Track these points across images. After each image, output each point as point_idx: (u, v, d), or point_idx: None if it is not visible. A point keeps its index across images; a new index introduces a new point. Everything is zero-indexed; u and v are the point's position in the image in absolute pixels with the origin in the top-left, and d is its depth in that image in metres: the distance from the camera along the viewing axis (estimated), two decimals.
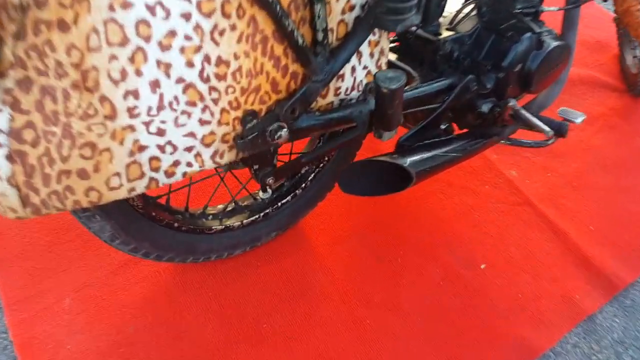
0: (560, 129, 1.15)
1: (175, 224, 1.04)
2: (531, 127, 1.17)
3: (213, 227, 1.11)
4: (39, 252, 1.26)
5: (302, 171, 1.19)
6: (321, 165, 1.19)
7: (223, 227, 1.12)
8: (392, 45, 1.22)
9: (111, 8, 0.67)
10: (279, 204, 1.19)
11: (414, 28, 1.16)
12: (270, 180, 1.02)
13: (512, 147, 1.63)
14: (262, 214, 1.17)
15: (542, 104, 1.37)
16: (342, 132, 1.12)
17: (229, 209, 1.15)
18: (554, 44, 1.19)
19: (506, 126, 1.24)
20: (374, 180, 1.02)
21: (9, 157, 0.70)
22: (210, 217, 1.12)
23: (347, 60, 0.91)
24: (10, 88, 0.66)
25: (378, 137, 0.97)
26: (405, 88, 1.09)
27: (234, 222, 1.14)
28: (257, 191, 1.19)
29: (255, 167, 0.99)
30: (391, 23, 0.86)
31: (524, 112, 1.10)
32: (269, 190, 1.15)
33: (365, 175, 1.02)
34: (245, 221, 1.15)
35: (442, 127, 1.17)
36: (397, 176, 1.03)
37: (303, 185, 1.20)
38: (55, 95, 0.69)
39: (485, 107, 1.19)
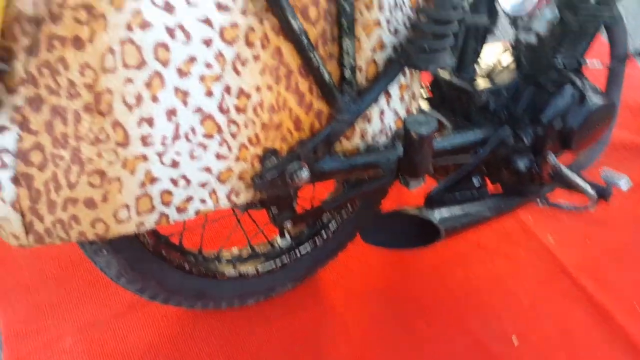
0: (603, 193, 1.07)
1: (186, 266, 0.98)
2: (572, 187, 1.09)
3: (226, 273, 1.04)
4: (47, 285, 1.21)
5: (324, 218, 1.13)
6: (344, 213, 1.12)
7: (237, 273, 1.05)
8: (425, 96, 1.18)
9: (129, 27, 0.65)
10: (298, 252, 1.12)
11: (447, 76, 1.11)
12: (288, 225, 0.96)
13: (548, 210, 1.54)
14: (278, 263, 1.11)
15: (582, 164, 1.29)
16: (367, 179, 1.07)
17: (244, 254, 1.09)
18: (599, 101, 1.13)
19: (543, 185, 1.16)
20: (399, 232, 0.96)
21: (15, 180, 0.66)
22: (224, 261, 1.06)
23: (375, 100, 0.86)
24: (19, 106, 0.64)
25: (404, 185, 0.91)
26: (436, 136, 1.03)
27: (248, 268, 1.08)
28: (274, 238, 1.13)
29: (274, 209, 0.94)
30: (423, 62, 0.82)
31: (565, 170, 1.02)
32: (287, 237, 1.09)
33: (390, 226, 0.95)
34: (260, 269, 1.08)
35: (475, 182, 1.11)
36: (425, 230, 0.96)
37: (324, 233, 1.13)
38: (66, 116, 0.66)
39: (522, 164, 1.12)
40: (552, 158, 1.03)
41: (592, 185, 1.06)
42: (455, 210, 0.98)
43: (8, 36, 0.62)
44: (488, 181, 1.16)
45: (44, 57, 0.63)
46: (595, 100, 1.13)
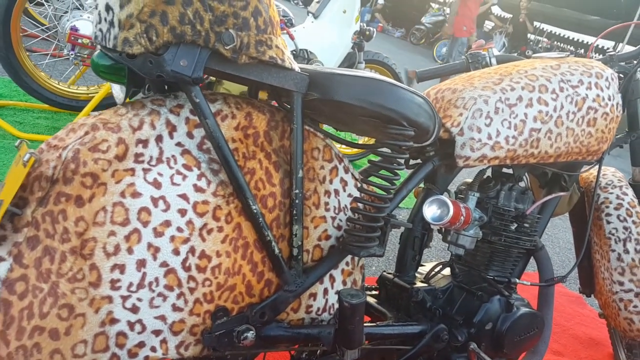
0: None
1: None
2: None
3: None
4: None
5: None
6: None
7: None
8: (373, 292, 1.33)
9: (122, 194, 0.84)
10: None
11: (390, 276, 1.28)
12: None
13: None
14: None
15: None
16: (316, 358, 1.15)
17: None
18: (524, 309, 1.27)
19: None
20: None
21: None
22: None
23: (319, 278, 1.01)
24: (19, 242, 0.79)
25: (340, 356, 1.00)
26: (378, 323, 1.15)
27: None
28: None
29: None
30: (356, 249, 1.00)
31: (483, 355, 1.12)
32: None
33: None
34: None
35: None
36: None
37: None
38: (54, 256, 0.81)
39: None
40: (472, 344, 1.13)
41: None
42: None
43: (27, 190, 0.81)
44: None
45: (50, 208, 0.80)
46: (522, 308, 1.28)
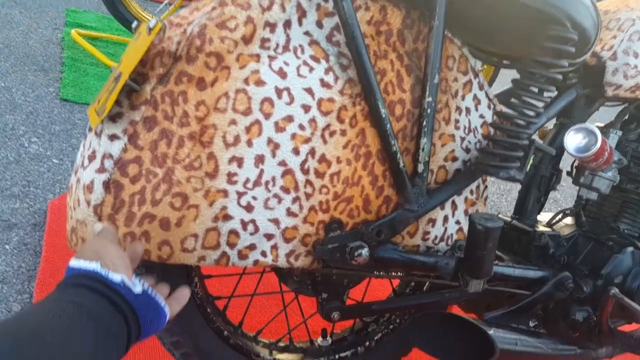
0: None
1: (225, 333, 0.96)
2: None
3: (261, 355, 1.00)
4: None
5: (369, 329, 1.10)
6: (391, 327, 1.09)
7: (272, 359, 1.01)
8: None
9: (246, 81, 0.76)
10: (336, 356, 1.07)
11: (508, 218, 1.16)
12: (335, 316, 0.95)
13: None
14: None
15: None
16: (423, 293, 1.07)
17: (282, 343, 1.05)
18: None
19: (601, 345, 1.10)
20: (448, 342, 0.92)
21: (106, 185, 0.72)
22: (261, 344, 1.03)
23: (442, 201, 0.91)
24: (135, 120, 0.73)
25: (464, 286, 0.90)
26: (497, 262, 1.04)
27: (284, 358, 1.03)
28: (316, 339, 1.09)
29: (324, 296, 0.94)
30: (493, 169, 0.88)
31: (628, 300, 0.99)
32: (329, 339, 1.06)
33: (441, 331, 0.92)
34: None
35: (530, 322, 1.07)
36: (475, 348, 0.92)
37: (367, 343, 1.08)
38: (171, 140, 0.74)
39: (579, 315, 1.09)
40: (614, 289, 1.00)
41: None
42: (511, 335, 0.95)
43: (148, 65, 0.74)
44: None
45: (170, 88, 0.74)
46: None
